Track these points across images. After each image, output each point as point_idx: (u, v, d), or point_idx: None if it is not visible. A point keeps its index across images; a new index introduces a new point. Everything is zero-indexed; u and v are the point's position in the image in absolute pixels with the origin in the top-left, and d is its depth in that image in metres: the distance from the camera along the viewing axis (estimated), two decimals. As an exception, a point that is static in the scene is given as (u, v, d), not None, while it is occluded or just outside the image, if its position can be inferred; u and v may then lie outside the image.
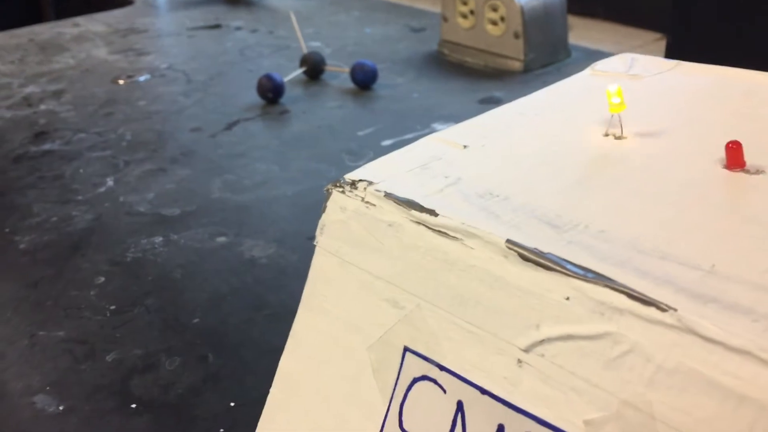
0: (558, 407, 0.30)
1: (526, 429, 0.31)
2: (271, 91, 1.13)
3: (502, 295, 0.32)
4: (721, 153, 0.38)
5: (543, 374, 0.30)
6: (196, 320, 0.65)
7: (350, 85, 1.19)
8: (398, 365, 0.36)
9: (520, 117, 0.46)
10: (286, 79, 1.16)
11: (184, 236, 0.78)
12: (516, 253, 0.32)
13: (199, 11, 1.73)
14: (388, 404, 0.36)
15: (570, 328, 0.30)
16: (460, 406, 0.33)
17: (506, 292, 0.32)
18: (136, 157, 0.98)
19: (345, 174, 0.40)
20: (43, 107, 1.17)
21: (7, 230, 0.81)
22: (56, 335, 0.64)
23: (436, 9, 1.42)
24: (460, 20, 1.30)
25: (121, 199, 0.87)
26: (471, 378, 0.33)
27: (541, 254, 0.31)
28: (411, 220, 0.36)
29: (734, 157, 0.37)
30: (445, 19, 1.33)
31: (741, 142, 0.38)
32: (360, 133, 1.02)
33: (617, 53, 0.56)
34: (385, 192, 0.38)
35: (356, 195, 0.39)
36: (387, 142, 0.98)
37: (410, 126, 1.03)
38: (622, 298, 0.28)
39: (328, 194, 0.40)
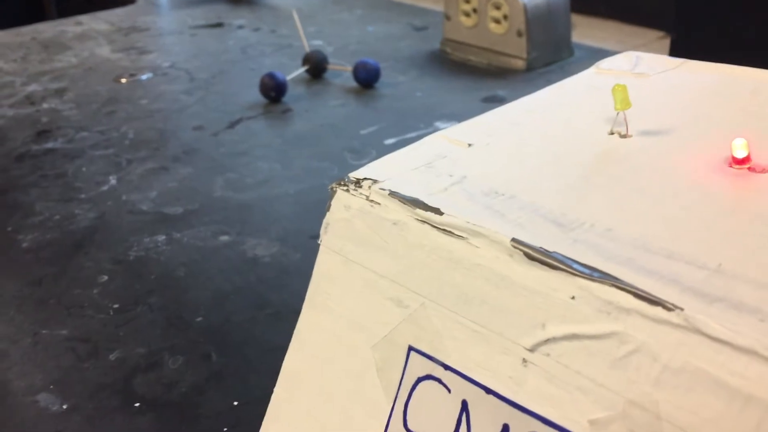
0: (563, 407, 0.30)
1: (531, 429, 0.30)
2: (273, 90, 1.13)
3: (508, 294, 0.32)
4: (727, 151, 0.38)
5: (548, 374, 0.30)
6: (199, 319, 0.65)
7: (353, 83, 1.19)
8: (403, 364, 0.36)
9: (525, 115, 0.46)
10: (288, 78, 1.16)
11: (186, 235, 0.78)
12: (521, 252, 0.32)
13: (201, 10, 1.73)
14: (392, 403, 0.36)
15: (576, 328, 0.30)
16: (464, 405, 0.33)
17: (511, 291, 0.32)
18: (139, 156, 0.97)
19: (347, 172, 0.40)
20: (45, 105, 1.17)
21: (9, 229, 0.81)
22: (59, 334, 0.64)
23: (439, 7, 1.42)
24: (463, 18, 1.30)
25: (124, 197, 0.87)
26: (476, 377, 0.33)
27: (546, 253, 0.31)
28: (416, 219, 0.36)
29: (740, 155, 0.37)
30: (448, 18, 1.33)
31: (747, 140, 0.37)
32: (362, 132, 1.02)
33: (620, 52, 0.56)
34: (389, 190, 0.37)
35: (361, 193, 0.38)
36: (390, 141, 0.98)
37: (413, 125, 1.03)
38: (629, 297, 0.28)
39: (333, 193, 0.40)
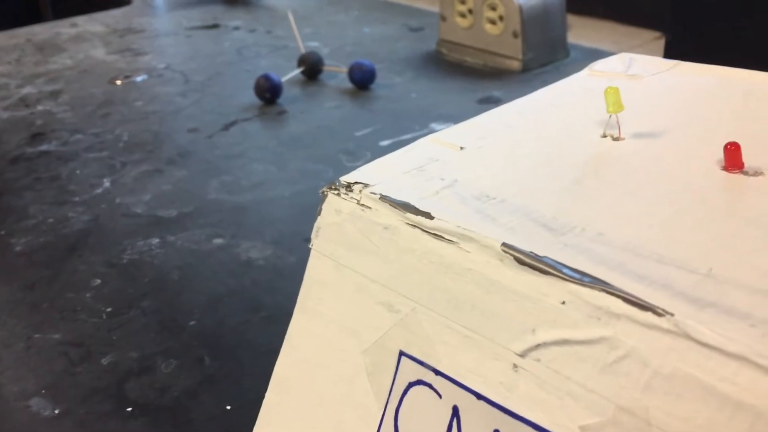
0: (554, 412, 0.29)
1: (522, 434, 0.30)
2: (268, 92, 1.13)
3: (498, 299, 0.32)
4: (720, 154, 0.38)
5: (539, 379, 0.30)
6: (192, 322, 0.65)
7: (348, 85, 1.19)
8: (394, 369, 0.35)
9: (518, 118, 0.46)
10: (283, 80, 1.16)
11: (180, 238, 0.78)
12: (512, 257, 0.32)
13: (197, 11, 1.73)
14: (383, 409, 0.36)
15: (566, 333, 0.29)
16: (455, 411, 0.33)
17: (502, 296, 0.32)
18: (133, 158, 0.97)
19: (342, 175, 0.40)
20: (40, 108, 1.16)
21: (3, 232, 0.81)
22: (52, 338, 0.64)
23: (435, 8, 1.42)
24: (459, 19, 1.30)
25: (118, 200, 0.86)
26: (466, 383, 0.32)
27: (537, 258, 0.31)
28: (406, 223, 0.36)
29: (733, 158, 0.37)
30: (444, 19, 1.33)
31: (740, 143, 0.37)
32: (358, 134, 1.02)
33: (616, 52, 0.55)
34: (380, 194, 0.37)
35: (351, 197, 0.38)
36: (385, 143, 0.98)
37: (408, 126, 1.03)
38: (619, 302, 0.28)
39: (324, 197, 0.40)
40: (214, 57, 1.39)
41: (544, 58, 1.25)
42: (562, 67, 1.23)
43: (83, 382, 0.59)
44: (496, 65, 1.26)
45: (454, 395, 0.33)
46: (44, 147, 1.02)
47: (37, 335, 0.64)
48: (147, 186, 0.90)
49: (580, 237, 0.32)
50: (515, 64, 1.23)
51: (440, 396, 0.33)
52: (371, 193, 0.38)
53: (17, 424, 0.55)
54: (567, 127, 0.44)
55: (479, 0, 1.26)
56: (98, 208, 0.85)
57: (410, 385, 0.35)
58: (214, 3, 1.78)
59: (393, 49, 1.38)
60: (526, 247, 0.32)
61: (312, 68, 1.23)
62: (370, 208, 0.37)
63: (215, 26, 1.59)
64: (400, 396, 0.35)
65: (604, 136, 0.42)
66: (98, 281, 0.71)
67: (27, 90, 1.24)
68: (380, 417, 0.36)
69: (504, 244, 0.32)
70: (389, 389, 0.35)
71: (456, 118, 1.04)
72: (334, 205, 0.39)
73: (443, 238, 0.34)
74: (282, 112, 1.11)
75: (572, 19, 1.38)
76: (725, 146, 0.37)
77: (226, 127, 1.07)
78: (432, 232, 0.35)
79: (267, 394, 0.42)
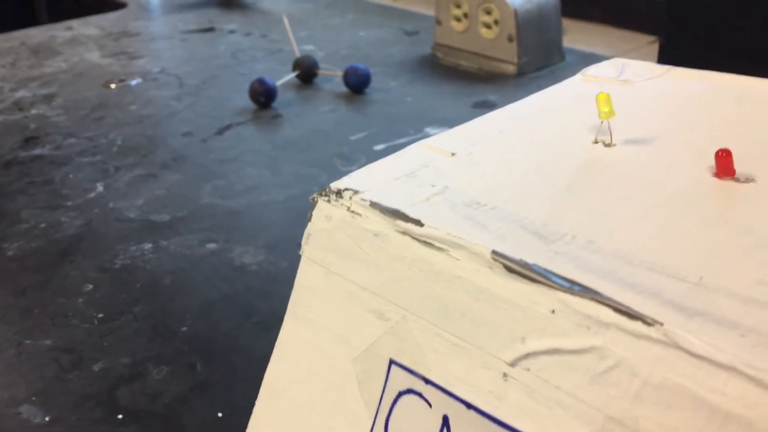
0: (543, 422, 0.29)
1: (511, 444, 0.30)
2: (263, 95, 1.13)
3: (488, 307, 0.32)
4: (711, 161, 0.38)
5: (528, 388, 0.30)
6: (184, 328, 0.65)
7: (343, 88, 1.19)
8: (384, 378, 0.35)
9: (510, 123, 0.46)
10: (278, 83, 1.16)
11: (173, 242, 0.78)
12: (501, 265, 0.31)
13: (192, 14, 1.72)
14: (374, 417, 0.36)
15: (556, 342, 0.29)
16: (445, 420, 0.32)
17: (492, 305, 0.32)
18: (127, 163, 0.97)
19: (337, 179, 0.40)
20: (34, 111, 1.16)
21: (-5, 237, 0.80)
22: (43, 344, 0.63)
23: (430, 12, 1.42)
24: (454, 23, 1.30)
25: (111, 204, 0.86)
26: (456, 392, 0.32)
27: (526, 266, 0.31)
28: (397, 231, 0.36)
29: (724, 165, 0.37)
30: (439, 23, 1.33)
31: (731, 149, 0.37)
32: (352, 138, 1.02)
33: (611, 56, 0.55)
34: (370, 201, 0.37)
35: (342, 204, 0.38)
36: (379, 147, 0.98)
37: (403, 130, 1.03)
38: (608, 311, 0.28)
39: (314, 203, 0.39)
40: (209, 60, 1.39)
41: (540, 62, 1.25)
42: (557, 71, 1.23)
43: (74, 388, 0.58)
44: (491, 69, 1.26)
45: (444, 404, 0.32)
46: (37, 151, 1.02)
47: (28, 341, 0.64)
48: (140, 190, 0.89)
49: (571, 244, 0.32)
50: (510, 68, 1.23)
51: (430, 405, 0.33)
52: (361, 199, 0.37)
53: (7, 431, 0.54)
54: (559, 132, 0.44)
55: (474, 4, 1.26)
56: (91, 212, 0.85)
57: (400, 393, 0.34)
58: (210, 6, 1.78)
59: (388, 52, 1.38)
60: (516, 255, 0.31)
61: (307, 72, 1.22)
62: (360, 215, 0.37)
63: (211, 30, 1.59)
64: (390, 405, 0.35)
65: (596, 142, 0.42)
66: (90, 286, 0.71)
67: (21, 93, 1.24)
68: (371, 425, 0.35)
69: (494, 252, 0.32)
70: (379, 398, 0.35)
71: (451, 122, 1.03)
72: (324, 212, 0.39)
73: (433, 245, 0.34)
74: (277, 116, 1.11)
75: (567, 23, 1.38)
76: (716, 153, 0.37)
77: (221, 131, 1.06)
78: (422, 239, 0.34)
79: (257, 401, 0.42)
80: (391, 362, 0.35)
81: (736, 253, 0.31)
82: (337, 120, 1.09)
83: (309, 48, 1.40)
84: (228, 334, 0.64)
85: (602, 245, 0.32)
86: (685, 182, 0.37)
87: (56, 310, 0.68)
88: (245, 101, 1.15)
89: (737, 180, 0.37)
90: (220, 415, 0.55)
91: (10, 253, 0.77)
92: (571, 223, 0.34)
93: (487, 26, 1.25)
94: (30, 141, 1.05)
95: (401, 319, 0.35)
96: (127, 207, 0.85)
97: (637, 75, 0.51)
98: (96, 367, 0.60)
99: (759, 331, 0.26)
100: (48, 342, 0.64)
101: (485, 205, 0.36)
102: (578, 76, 0.52)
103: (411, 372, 0.34)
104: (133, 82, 1.28)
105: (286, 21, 1.29)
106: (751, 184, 0.36)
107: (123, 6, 1.83)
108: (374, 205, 0.37)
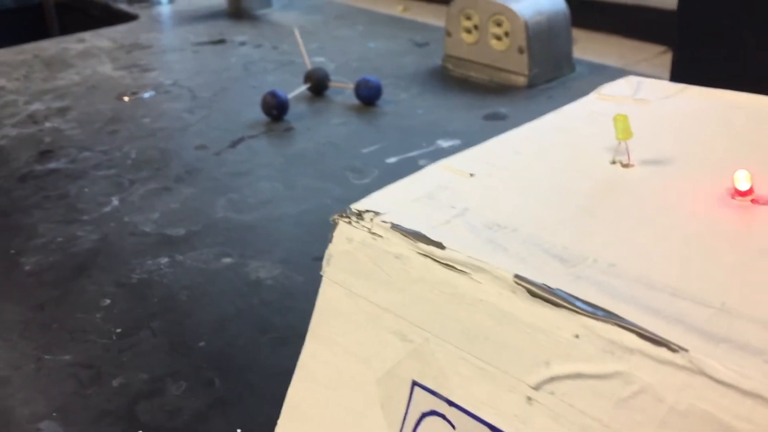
0: (568, 446, 0.29)
1: (536, 467, 0.30)
2: (275, 108, 1.14)
3: (511, 330, 0.32)
4: (729, 182, 0.38)
5: (553, 412, 0.30)
6: (202, 343, 0.65)
7: (355, 101, 1.19)
8: (407, 399, 0.36)
9: (527, 143, 0.46)
10: (290, 96, 1.16)
11: (189, 257, 0.78)
12: (524, 289, 0.32)
13: (203, 26, 1.74)
14: (396, 438, 0.36)
15: (580, 367, 0.29)
16: (469, 442, 0.33)
17: (515, 328, 0.32)
18: (141, 176, 0.98)
19: (349, 192, 0.40)
20: (48, 125, 1.17)
21: (12, 251, 0.81)
22: (62, 359, 0.64)
23: (440, 23, 1.42)
24: (464, 35, 1.30)
25: (126, 218, 0.87)
26: (480, 414, 0.32)
27: (549, 290, 0.31)
28: (418, 253, 0.36)
29: (743, 187, 0.37)
30: (449, 34, 1.34)
31: (749, 170, 0.37)
32: (364, 151, 1.02)
33: (621, 67, 0.56)
34: (391, 223, 0.37)
35: (362, 226, 0.38)
36: (392, 160, 0.98)
37: (415, 143, 1.03)
38: (633, 337, 0.28)
39: (335, 225, 0.40)
40: (221, 72, 1.39)
41: (550, 73, 1.25)
42: (567, 82, 1.24)
43: (94, 404, 0.59)
44: (502, 81, 1.26)
45: (468, 427, 0.33)
46: (53, 165, 1.02)
47: (47, 356, 0.64)
48: (155, 204, 0.90)
49: (592, 268, 0.32)
50: (521, 80, 1.24)
51: (454, 427, 0.33)
52: (382, 221, 0.38)
53: (28, 447, 0.55)
54: (576, 153, 0.44)
55: (485, 16, 1.26)
56: (107, 226, 0.85)
57: (423, 415, 0.35)
58: (221, 18, 1.79)
59: (399, 64, 1.39)
60: (539, 279, 0.32)
61: (318, 84, 1.23)
62: (381, 236, 0.37)
63: (221, 42, 1.60)
64: (413, 426, 0.35)
65: (614, 162, 0.42)
66: (108, 301, 0.72)
67: (35, 106, 1.25)
68: (393, 446, 0.36)
69: (516, 276, 0.32)
70: (402, 419, 0.36)
71: (462, 134, 1.04)
72: (345, 234, 0.39)
73: (455, 268, 0.34)
74: (288, 129, 1.12)
75: (577, 33, 1.38)
76: (735, 174, 0.37)
77: (234, 144, 1.07)
78: (443, 262, 0.35)
79: (280, 420, 0.42)
80: (414, 384, 0.35)
81: (757, 276, 0.31)
82: (348, 132, 1.09)
83: (320, 60, 1.41)
84: (245, 350, 0.64)
85: (624, 269, 0.32)
86: (704, 204, 0.37)
87: (74, 325, 0.68)
88: (257, 114, 1.15)
89: (756, 201, 0.37)
90: (239, 431, 0.55)
91: (27, 267, 0.78)
92: (592, 246, 0.34)
93: (498, 38, 1.25)
94: (45, 154, 1.06)
95: (424, 341, 0.35)
96: (142, 221, 0.86)
97: (652, 94, 0.51)
98: (115, 383, 0.61)
99: (783, 357, 0.26)
100: (67, 357, 0.64)
101: (505, 227, 0.36)
102: (593, 95, 0.52)
103: (434, 394, 0.34)
104: (146, 95, 1.29)
105: (297, 33, 1.30)
106: (770, 205, 0.36)
107: (134, 18, 1.85)
108: (395, 227, 0.37)
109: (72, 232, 0.84)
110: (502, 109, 1.14)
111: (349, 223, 0.39)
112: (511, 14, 1.22)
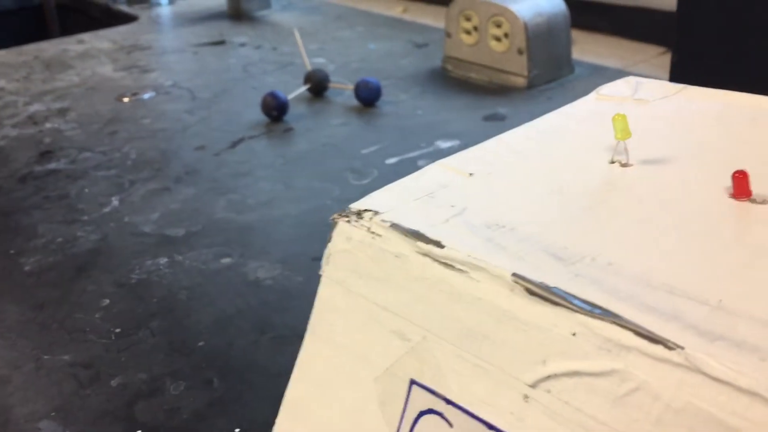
0: (566, 444, 0.30)
1: (533, 465, 0.30)
2: (275, 109, 1.14)
3: (509, 329, 0.32)
4: (728, 181, 0.38)
5: (549, 410, 0.30)
6: (201, 343, 0.65)
7: (354, 101, 1.20)
8: (404, 398, 0.36)
9: (526, 143, 0.46)
10: (290, 97, 1.17)
11: (188, 257, 0.78)
12: (522, 287, 0.32)
13: (203, 27, 1.74)
14: (394, 436, 0.36)
15: (577, 365, 0.30)
16: (467, 440, 0.33)
17: (513, 326, 0.32)
18: (141, 177, 0.98)
19: (349, 193, 0.40)
20: (48, 125, 1.17)
21: (12, 252, 0.81)
22: (61, 359, 0.64)
23: (440, 25, 1.43)
24: (464, 36, 1.31)
25: (126, 219, 0.87)
26: (477, 413, 0.33)
27: (547, 288, 0.31)
28: (417, 252, 0.36)
29: (740, 186, 0.37)
30: (449, 35, 1.34)
31: (747, 170, 0.37)
32: (364, 151, 1.02)
33: (621, 68, 0.56)
34: (391, 222, 0.37)
35: (362, 225, 0.39)
36: (391, 161, 0.99)
37: (415, 143, 1.03)
38: (629, 335, 0.28)
39: (334, 224, 0.40)
40: (221, 74, 1.40)
41: (550, 74, 1.25)
42: (567, 83, 1.24)
43: (93, 404, 0.59)
44: (501, 82, 1.26)
45: (465, 425, 0.33)
46: (53, 165, 1.03)
47: (46, 356, 0.64)
48: (155, 204, 0.90)
49: (590, 267, 0.32)
50: (520, 81, 1.24)
51: (451, 425, 0.33)
52: (382, 220, 0.38)
53: (27, 446, 0.55)
54: (575, 152, 0.44)
55: (484, 17, 1.26)
56: (107, 227, 0.85)
57: (421, 413, 0.35)
58: (220, 19, 1.79)
59: (398, 65, 1.39)
60: (537, 277, 0.32)
61: (318, 85, 1.23)
62: (380, 236, 0.38)
63: (221, 43, 1.60)
64: (411, 424, 0.35)
65: (612, 162, 0.42)
66: (107, 301, 0.72)
67: (35, 107, 1.25)
68: (391, 445, 0.36)
69: (514, 275, 0.32)
70: (400, 417, 0.36)
71: (462, 135, 1.04)
72: (344, 233, 0.39)
73: (453, 267, 0.34)
74: (288, 130, 1.12)
75: (577, 35, 1.39)
76: (733, 174, 0.37)
77: (233, 144, 1.07)
78: (442, 260, 0.35)
79: (278, 419, 0.42)
80: (412, 382, 0.35)
81: (754, 275, 0.31)
82: (348, 133, 1.10)
83: (320, 61, 1.41)
84: (244, 350, 0.64)
85: (622, 267, 0.32)
86: (702, 203, 0.37)
87: (74, 325, 0.69)
88: (257, 114, 1.15)
89: (754, 201, 0.37)
90: (237, 431, 0.55)
91: (27, 267, 0.78)
92: (590, 245, 0.34)
93: (497, 39, 1.26)
94: (45, 155, 1.06)
95: (422, 340, 0.35)
96: (142, 221, 0.86)
97: (651, 94, 0.51)
98: (114, 383, 0.61)
99: (779, 355, 0.26)
100: (66, 357, 0.64)
101: (504, 226, 0.36)
102: (592, 95, 0.53)
103: (432, 392, 0.34)
104: (146, 96, 1.29)
105: (297, 34, 1.30)
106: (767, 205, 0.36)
107: (134, 19, 1.85)
108: (394, 226, 0.37)
109: (72, 233, 0.85)
110: (502, 110, 1.14)
111: (349, 222, 0.39)
112: (511, 15, 1.22)
